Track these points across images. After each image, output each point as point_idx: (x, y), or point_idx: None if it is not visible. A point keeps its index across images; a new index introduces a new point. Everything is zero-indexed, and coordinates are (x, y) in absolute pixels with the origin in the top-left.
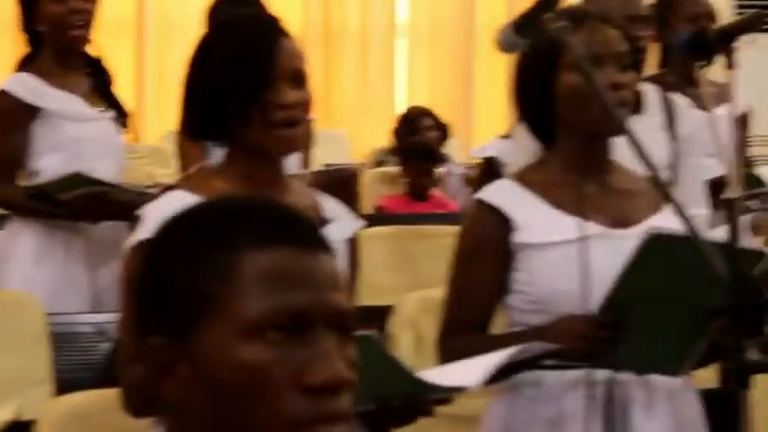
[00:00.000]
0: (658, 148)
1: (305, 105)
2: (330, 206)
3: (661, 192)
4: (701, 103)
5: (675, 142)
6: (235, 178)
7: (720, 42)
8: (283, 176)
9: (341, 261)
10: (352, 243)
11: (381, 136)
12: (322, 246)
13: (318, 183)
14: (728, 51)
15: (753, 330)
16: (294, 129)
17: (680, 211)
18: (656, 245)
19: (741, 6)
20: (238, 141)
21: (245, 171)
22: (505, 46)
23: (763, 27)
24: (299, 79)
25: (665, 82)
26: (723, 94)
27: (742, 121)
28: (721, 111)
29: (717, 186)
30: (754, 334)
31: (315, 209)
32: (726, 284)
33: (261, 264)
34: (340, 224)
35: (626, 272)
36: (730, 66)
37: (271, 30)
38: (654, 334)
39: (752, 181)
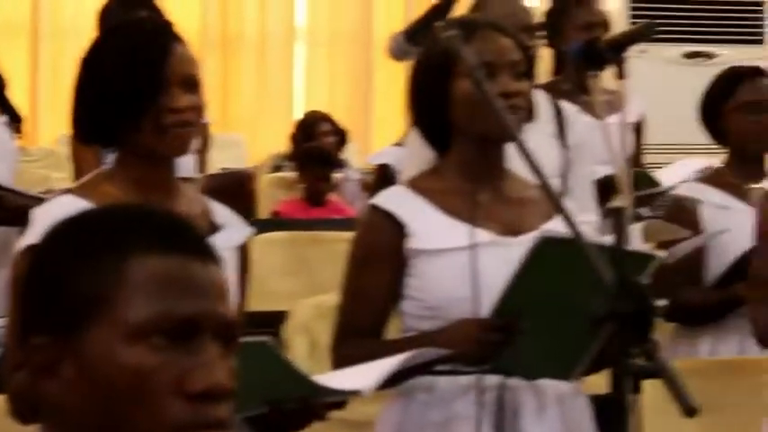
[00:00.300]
0: (550, 155)
1: (197, 110)
2: (221, 212)
3: (550, 198)
4: (594, 111)
5: (566, 150)
6: (126, 183)
7: (612, 52)
8: (175, 182)
9: (231, 268)
10: (244, 249)
11: (279, 141)
12: (210, 255)
13: (212, 186)
14: (619, 61)
15: (639, 336)
16: (184, 130)
17: (569, 220)
18: (547, 249)
19: (635, 16)
20: (129, 146)
21: (136, 176)
22: (397, 54)
23: (655, 37)
24: (191, 84)
25: (558, 90)
26: (616, 102)
27: (636, 130)
28: (614, 119)
29: (605, 188)
30: (640, 340)
31: (206, 215)
32: (611, 290)
33: (149, 270)
34: (231, 230)
35: (517, 276)
36: (621, 75)
37: (162, 34)
38: (544, 339)
39: (644, 181)
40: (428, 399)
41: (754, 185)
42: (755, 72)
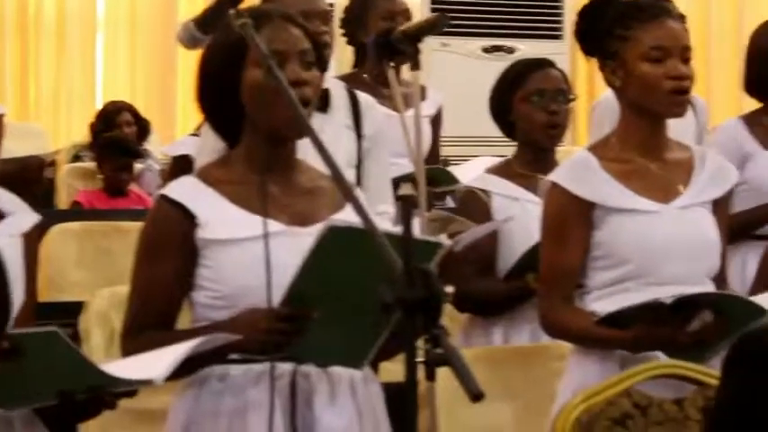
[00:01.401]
0: (345, 145)
1: None
2: (6, 199)
3: (341, 188)
4: (393, 103)
5: (362, 140)
6: None
7: (406, 43)
8: None
9: (16, 255)
10: (30, 237)
11: (80, 130)
12: None
13: (5, 170)
14: (414, 52)
15: (427, 323)
16: None
17: (358, 207)
18: (333, 237)
19: (435, 9)
20: None
21: None
22: (188, 41)
23: (456, 31)
24: None
25: (359, 81)
26: (413, 93)
27: (433, 122)
28: (412, 111)
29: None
30: (429, 327)
31: None
32: (399, 277)
33: None
34: (16, 218)
35: (305, 264)
36: (415, 66)
37: None
38: (335, 326)
39: (445, 178)
40: (221, 387)
41: (542, 177)
42: (543, 63)
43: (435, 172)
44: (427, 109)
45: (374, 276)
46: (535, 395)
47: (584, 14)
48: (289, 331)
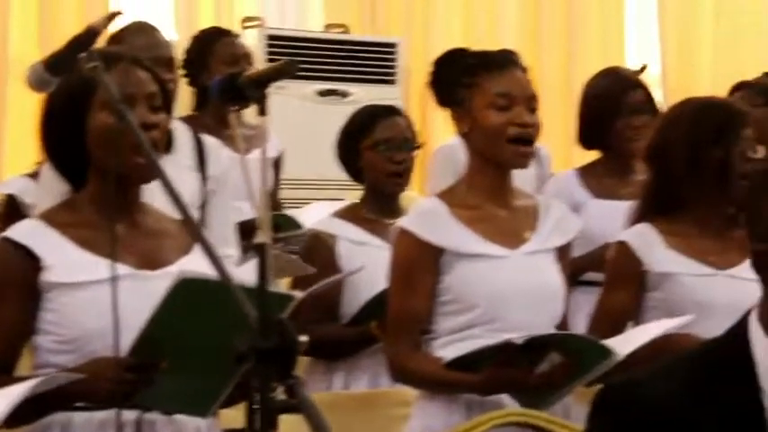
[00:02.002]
0: (189, 188)
1: None
2: None
3: (192, 232)
4: (235, 146)
5: (206, 182)
6: None
7: (253, 88)
8: None
9: None
10: None
11: None
12: None
13: None
14: (261, 97)
15: (281, 373)
16: None
17: (210, 253)
18: (186, 287)
19: (271, 53)
20: None
21: None
22: (36, 84)
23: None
24: None
25: (200, 123)
26: (256, 137)
27: (275, 165)
28: (254, 154)
29: (247, 229)
30: (283, 376)
31: None
32: (254, 327)
33: None
34: None
35: (156, 313)
36: (262, 112)
37: None
38: (184, 375)
39: (287, 223)
40: None
41: (390, 221)
42: (390, 111)
43: (278, 218)
44: (270, 152)
45: (223, 325)
46: None
47: (437, 64)
48: (136, 381)
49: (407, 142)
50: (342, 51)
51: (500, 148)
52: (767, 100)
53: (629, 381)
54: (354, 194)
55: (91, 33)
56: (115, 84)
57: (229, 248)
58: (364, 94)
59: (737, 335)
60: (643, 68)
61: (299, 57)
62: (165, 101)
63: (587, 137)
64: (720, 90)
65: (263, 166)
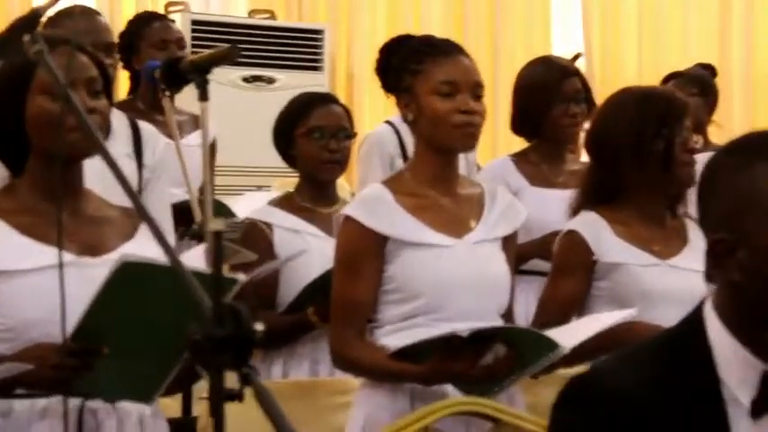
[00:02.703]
0: (127, 174)
1: None
2: None
3: (145, 220)
4: (169, 131)
5: (143, 169)
6: None
7: (195, 73)
8: None
9: None
10: None
11: None
12: None
13: None
14: (203, 82)
15: (237, 361)
16: None
17: (160, 238)
18: (128, 271)
19: (196, 38)
20: None
21: None
22: None
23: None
24: None
25: (134, 108)
26: (191, 123)
27: (210, 151)
28: (190, 140)
29: (181, 213)
30: (238, 365)
31: None
32: (207, 314)
33: None
34: None
35: (97, 299)
36: (203, 97)
37: None
38: (126, 361)
39: (222, 210)
40: (4, 424)
41: (325, 209)
42: (326, 98)
43: (213, 204)
44: (200, 139)
45: (169, 310)
46: (317, 430)
47: (384, 50)
48: (78, 367)
49: (343, 130)
50: (267, 38)
51: (446, 133)
52: (702, 89)
53: (594, 372)
54: (280, 181)
55: (35, 16)
56: (57, 67)
57: (167, 236)
58: (290, 81)
59: (694, 325)
60: (577, 56)
61: (224, 43)
62: (106, 86)
63: (522, 125)
64: (646, 80)
65: (205, 151)
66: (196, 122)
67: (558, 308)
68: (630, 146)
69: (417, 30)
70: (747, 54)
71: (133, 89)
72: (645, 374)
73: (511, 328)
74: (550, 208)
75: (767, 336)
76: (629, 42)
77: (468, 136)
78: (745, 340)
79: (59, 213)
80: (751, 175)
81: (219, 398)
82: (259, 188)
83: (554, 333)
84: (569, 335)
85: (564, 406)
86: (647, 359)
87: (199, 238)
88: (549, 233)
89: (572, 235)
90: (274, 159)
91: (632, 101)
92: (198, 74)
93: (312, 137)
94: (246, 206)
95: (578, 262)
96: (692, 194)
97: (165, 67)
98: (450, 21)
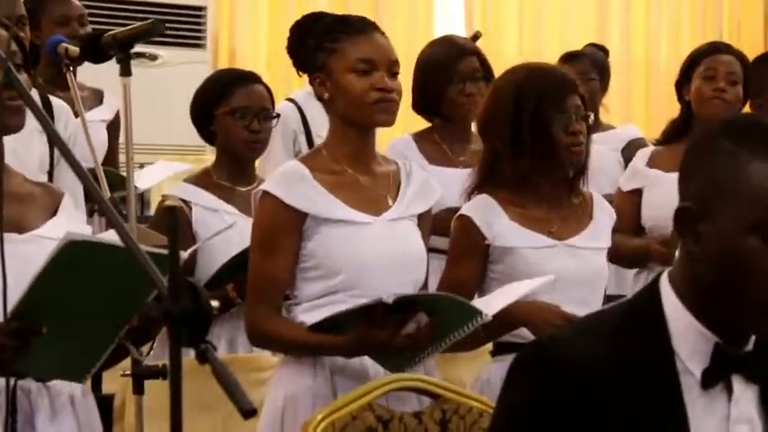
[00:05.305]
0: (37, 150)
1: None
2: None
3: (93, 194)
4: (73, 107)
5: (54, 146)
6: None
7: (116, 48)
8: None
9: None
10: None
11: None
12: None
13: None
14: (125, 58)
15: (194, 338)
16: None
17: (114, 218)
18: (73, 250)
19: (92, 15)
20: None
21: None
22: None
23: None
24: None
25: (34, 84)
26: (92, 98)
27: (112, 126)
28: (92, 115)
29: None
30: (195, 341)
31: None
32: (163, 290)
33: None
34: None
35: (39, 277)
36: (126, 72)
37: None
38: (63, 341)
39: (118, 182)
40: None
41: (242, 188)
42: (249, 78)
43: (111, 176)
44: (104, 114)
45: (110, 289)
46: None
47: (294, 29)
48: (15, 347)
49: (265, 111)
50: (151, 15)
51: (363, 111)
52: (600, 73)
53: (551, 341)
54: (163, 158)
55: None
56: None
57: (79, 212)
58: (172, 57)
59: (650, 296)
60: (476, 36)
61: (106, 18)
62: (24, 60)
63: (421, 104)
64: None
65: (129, 126)
66: (96, 97)
67: (456, 292)
68: (508, 130)
69: (301, 10)
70: (625, 37)
71: (33, 64)
72: (601, 344)
73: (434, 295)
74: (450, 187)
75: (718, 309)
76: (510, 24)
77: (385, 112)
78: (698, 313)
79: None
80: (744, 168)
81: (178, 374)
82: (141, 166)
83: (475, 301)
84: (490, 302)
85: (520, 371)
86: (604, 330)
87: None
88: (443, 209)
89: (463, 219)
90: (158, 137)
91: (510, 83)
92: (119, 49)
93: (234, 117)
94: (149, 178)
95: (471, 246)
96: (598, 172)
97: (85, 41)
98: (334, 1)
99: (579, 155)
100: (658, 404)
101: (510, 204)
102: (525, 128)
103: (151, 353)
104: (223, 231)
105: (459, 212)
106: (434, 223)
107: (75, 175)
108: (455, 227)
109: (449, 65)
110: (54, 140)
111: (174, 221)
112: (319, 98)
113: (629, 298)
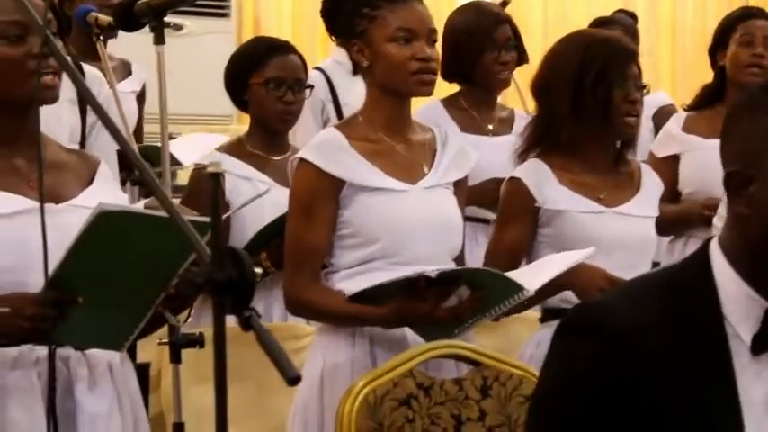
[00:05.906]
0: (70, 121)
1: None
2: None
3: (135, 164)
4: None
5: (86, 115)
6: None
7: (149, 16)
8: None
9: None
10: None
11: None
12: None
13: None
14: (158, 26)
15: (238, 305)
16: None
17: (157, 188)
18: (106, 221)
19: None
20: None
21: None
22: None
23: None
24: None
25: (69, 53)
26: (122, 69)
27: (140, 98)
28: (122, 86)
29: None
30: (239, 308)
31: None
32: (209, 258)
33: None
34: None
35: (73, 247)
36: (159, 40)
37: None
38: (100, 310)
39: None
40: None
41: (276, 157)
42: (284, 48)
43: (149, 150)
44: (133, 85)
45: (145, 259)
46: (268, 375)
47: None
48: (53, 317)
49: (299, 82)
50: None
51: (403, 80)
52: (631, 40)
53: (599, 306)
54: (189, 129)
55: None
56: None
57: (114, 183)
58: (197, 27)
59: (700, 261)
60: (505, 2)
61: None
62: (59, 29)
63: (452, 70)
64: (551, 33)
65: (162, 95)
66: (125, 68)
67: (506, 255)
68: (569, 94)
69: None
70: (652, 6)
71: (65, 34)
72: (650, 310)
73: (477, 270)
74: (483, 155)
75: None
76: None
77: (425, 82)
78: (749, 277)
79: (40, 167)
80: None
81: (222, 341)
82: (171, 136)
83: (517, 275)
84: (532, 276)
85: (569, 333)
86: (652, 297)
87: (140, 184)
88: (488, 180)
89: (515, 182)
90: (183, 107)
91: (574, 48)
92: (153, 16)
93: (268, 87)
94: (190, 154)
95: (521, 209)
96: (645, 141)
97: (118, 9)
98: None
99: (634, 124)
100: (708, 369)
101: (561, 169)
102: (588, 92)
103: (188, 320)
104: (256, 198)
105: (511, 175)
106: (478, 194)
107: (113, 140)
108: (506, 190)
109: (485, 32)
110: (93, 107)
111: (216, 188)
112: (356, 65)
113: (675, 264)
